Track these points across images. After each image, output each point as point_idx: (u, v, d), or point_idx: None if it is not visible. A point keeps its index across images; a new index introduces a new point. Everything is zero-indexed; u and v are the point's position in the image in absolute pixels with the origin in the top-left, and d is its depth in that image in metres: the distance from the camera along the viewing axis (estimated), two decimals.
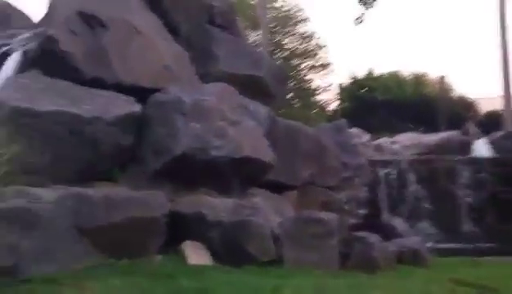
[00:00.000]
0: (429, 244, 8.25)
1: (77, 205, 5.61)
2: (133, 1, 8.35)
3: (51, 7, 8.04)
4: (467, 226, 9.53)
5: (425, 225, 9.49)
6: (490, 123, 13.88)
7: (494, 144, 11.08)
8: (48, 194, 5.59)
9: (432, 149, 10.69)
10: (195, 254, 6.38)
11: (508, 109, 16.08)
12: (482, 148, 10.94)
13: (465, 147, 10.80)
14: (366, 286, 5.58)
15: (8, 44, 7.96)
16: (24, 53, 7.59)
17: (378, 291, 5.28)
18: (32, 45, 7.67)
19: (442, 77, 17.32)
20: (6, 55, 7.74)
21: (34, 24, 9.07)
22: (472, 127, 12.08)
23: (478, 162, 10.24)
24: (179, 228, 6.51)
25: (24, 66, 7.45)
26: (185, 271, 5.69)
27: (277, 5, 16.63)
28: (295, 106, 15.36)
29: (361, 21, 12.05)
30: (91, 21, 7.59)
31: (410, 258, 7.00)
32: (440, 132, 12.44)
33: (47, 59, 7.34)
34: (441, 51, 43.84)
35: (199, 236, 6.46)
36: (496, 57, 17.66)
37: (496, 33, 18.09)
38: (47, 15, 8.18)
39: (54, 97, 6.92)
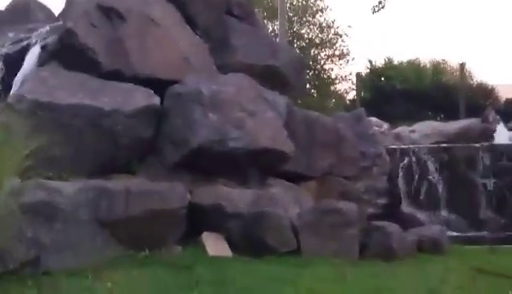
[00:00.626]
0: (449, 233, 8.10)
1: (97, 198, 5.55)
2: None
3: (70, 0, 7.90)
4: (487, 214, 9.41)
5: (445, 214, 9.36)
6: (510, 110, 14.03)
7: None
8: (68, 187, 5.58)
9: (452, 137, 10.61)
10: (215, 245, 6.40)
11: None
12: (502, 135, 10.72)
13: (487, 134, 10.60)
14: (385, 274, 5.55)
15: (28, 38, 8.04)
16: (44, 47, 7.64)
17: (397, 279, 5.28)
18: (51, 38, 7.64)
19: (462, 65, 16.88)
20: (26, 48, 7.81)
21: (55, 16, 9.15)
22: (492, 114, 11.71)
23: (499, 149, 9.99)
24: (198, 219, 6.50)
25: (44, 59, 7.46)
26: (204, 262, 5.68)
27: None
28: (313, 96, 15.36)
29: (380, 8, 11.65)
30: (109, 14, 7.59)
31: (429, 247, 6.96)
32: (460, 120, 12.37)
33: (66, 52, 7.30)
34: (460, 38, 43.18)
35: (218, 227, 6.45)
36: None
37: None
38: (66, 8, 8.04)
39: (73, 90, 6.89)
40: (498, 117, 11.48)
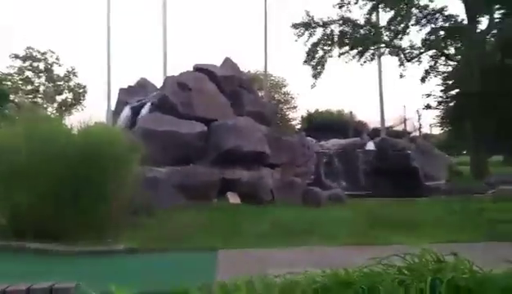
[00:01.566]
0: (346, 192, 10.97)
1: (177, 175, 8.72)
2: (203, 76, 11.46)
3: (165, 80, 11.98)
4: (362, 183, 13.50)
5: (343, 183, 13.36)
6: (373, 134, 19.91)
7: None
8: (163, 170, 8.50)
9: (346, 146, 15.54)
10: (233, 198, 9.45)
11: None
12: (369, 146, 15.46)
13: (362, 145, 15.64)
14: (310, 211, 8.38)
15: (144, 99, 11.53)
16: (152, 103, 10.94)
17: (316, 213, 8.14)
18: (155, 99, 10.98)
19: (351, 112, 28.71)
20: (143, 105, 11.22)
21: (157, 88, 12.32)
22: (365, 136, 17.35)
23: (367, 152, 14.87)
24: (225, 185, 9.39)
25: (151, 110, 10.77)
26: (227, 206, 8.89)
27: (273, 76, 30.36)
28: (279, 126, 24.48)
29: (314, 86, 18.61)
30: (183, 86, 10.91)
31: (336, 200, 10.23)
32: (350, 138, 17.58)
33: (162, 106, 10.61)
34: (350, 94, 53.48)
35: (235, 189, 9.57)
36: None
37: None
38: (163, 85, 11.94)
39: (165, 124, 10.04)
40: (368, 137, 16.36)
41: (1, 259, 5.34)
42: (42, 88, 27.32)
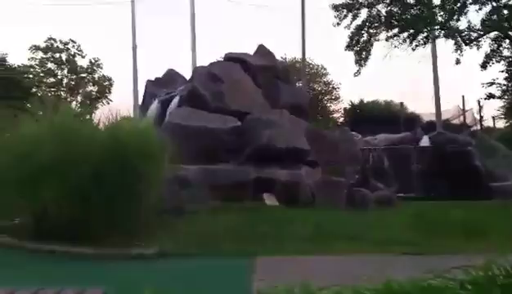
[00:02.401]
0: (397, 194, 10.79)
1: (207, 174, 8.89)
2: (236, 66, 11.59)
3: (194, 71, 12.17)
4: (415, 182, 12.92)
5: (393, 184, 12.47)
6: (429, 128, 19.18)
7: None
8: (192, 169, 8.65)
9: (396, 142, 15.14)
10: (269, 199, 9.43)
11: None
12: (424, 142, 15.04)
13: (416, 141, 15.23)
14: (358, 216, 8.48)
15: (172, 92, 11.73)
16: (181, 96, 11.13)
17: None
18: (184, 92, 11.14)
19: (402, 103, 27.41)
20: (172, 98, 11.45)
21: (186, 80, 12.47)
22: (419, 130, 16.87)
23: (422, 149, 14.44)
24: (260, 185, 9.42)
25: (180, 103, 10.95)
26: (263, 208, 8.91)
27: (311, 64, 29.35)
28: (319, 120, 24.57)
29: (358, 74, 17.43)
30: (213, 77, 11.05)
31: (385, 202, 10.07)
32: (401, 133, 16.92)
33: (191, 99, 10.77)
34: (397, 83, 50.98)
35: (271, 189, 9.50)
36: None
37: None
38: (192, 76, 12.09)
39: (195, 118, 10.19)
40: (422, 131, 15.88)
41: (28, 262, 5.67)
42: (65, 81, 28.20)
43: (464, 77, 49.04)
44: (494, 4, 16.70)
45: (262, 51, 12.91)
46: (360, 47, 18.24)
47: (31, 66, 27.38)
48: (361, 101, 31.91)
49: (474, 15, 43.84)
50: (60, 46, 27.93)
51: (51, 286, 3.78)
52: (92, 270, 5.13)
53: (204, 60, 19.89)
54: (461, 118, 24.38)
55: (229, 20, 50.19)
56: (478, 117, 26.09)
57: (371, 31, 17.87)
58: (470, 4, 16.44)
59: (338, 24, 17.58)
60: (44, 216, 6.05)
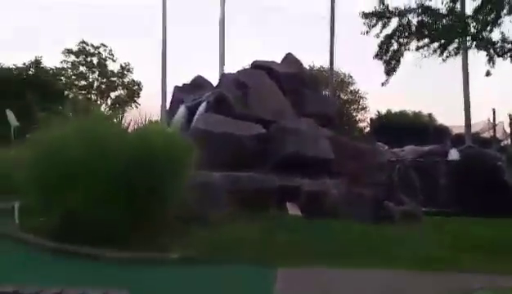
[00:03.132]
0: (423, 209, 10.54)
1: (231, 181, 8.82)
2: (263, 73, 11.51)
3: (221, 78, 12.35)
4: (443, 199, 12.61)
5: (420, 198, 12.46)
6: (457, 141, 19.07)
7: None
8: (215, 175, 8.67)
9: (424, 155, 14.86)
10: (292, 209, 9.28)
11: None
12: (453, 155, 14.66)
13: (444, 154, 14.94)
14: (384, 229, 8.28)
15: (200, 98, 11.76)
16: (207, 102, 11.20)
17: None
18: (211, 98, 11.23)
19: (430, 114, 27.35)
20: (199, 104, 11.49)
21: (213, 86, 12.60)
22: (448, 143, 16.72)
23: (451, 163, 14.14)
24: (284, 195, 9.30)
25: (207, 109, 11.01)
26: (286, 218, 8.80)
27: (338, 72, 29.29)
28: (345, 129, 24.30)
29: (386, 83, 17.61)
30: (240, 84, 11.14)
31: (410, 216, 9.81)
32: (429, 145, 16.59)
33: (218, 105, 10.88)
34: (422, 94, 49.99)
35: (295, 199, 9.37)
36: None
37: None
38: (219, 82, 12.28)
39: (221, 125, 10.26)
40: (450, 144, 15.57)
41: (52, 261, 5.81)
42: (96, 84, 28.93)
43: (495, 88, 47.71)
44: None
45: (289, 59, 12.92)
46: (389, 57, 17.97)
47: (63, 69, 28.10)
48: (389, 111, 32.16)
49: (508, 27, 42.55)
50: (92, 50, 28.56)
51: (74, 286, 3.81)
52: (115, 273, 5.23)
53: (231, 68, 19.93)
54: (491, 131, 23.68)
55: (258, 26, 50.28)
56: (508, 130, 25.24)
57: (401, 40, 17.56)
58: (505, 15, 15.97)
59: (367, 32, 17.35)
60: (70, 217, 6.17)
